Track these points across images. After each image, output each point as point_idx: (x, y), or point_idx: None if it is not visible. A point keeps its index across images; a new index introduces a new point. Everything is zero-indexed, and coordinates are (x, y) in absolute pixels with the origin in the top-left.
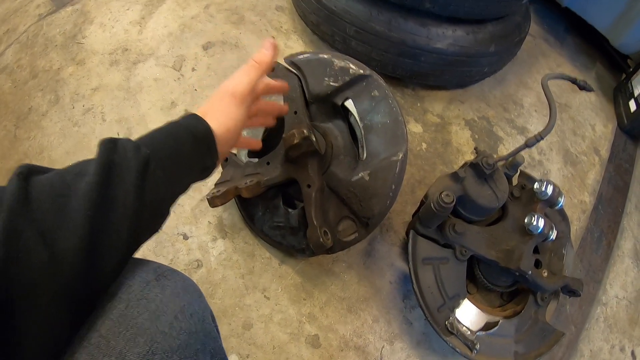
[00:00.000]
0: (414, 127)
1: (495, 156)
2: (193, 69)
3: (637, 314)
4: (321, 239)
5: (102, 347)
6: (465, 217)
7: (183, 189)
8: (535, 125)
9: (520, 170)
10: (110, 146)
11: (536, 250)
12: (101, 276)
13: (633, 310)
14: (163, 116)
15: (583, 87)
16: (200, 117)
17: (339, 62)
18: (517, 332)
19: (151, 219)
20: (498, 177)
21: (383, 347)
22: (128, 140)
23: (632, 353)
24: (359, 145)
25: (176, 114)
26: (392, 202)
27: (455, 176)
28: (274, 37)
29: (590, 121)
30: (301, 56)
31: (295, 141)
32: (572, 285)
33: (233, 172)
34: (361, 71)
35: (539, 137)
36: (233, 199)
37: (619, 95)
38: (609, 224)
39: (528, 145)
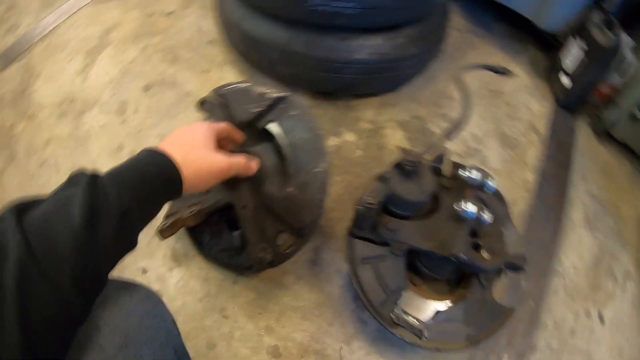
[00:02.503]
0: (348, 137)
1: (417, 153)
2: (135, 112)
3: (597, 279)
4: (261, 255)
5: (82, 342)
6: (399, 214)
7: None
8: (471, 116)
9: (453, 162)
10: (92, 190)
11: (476, 235)
12: (91, 302)
13: (593, 276)
14: (112, 160)
15: (502, 72)
16: (177, 172)
17: (258, 88)
18: (466, 315)
19: (123, 253)
20: (423, 171)
21: (341, 348)
22: (110, 185)
23: (600, 315)
24: (286, 163)
25: (124, 157)
26: (322, 210)
27: (382, 178)
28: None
29: (526, 103)
30: (225, 88)
31: None
32: (514, 261)
33: (179, 203)
34: (279, 94)
35: (455, 128)
36: (183, 229)
37: (552, 72)
38: (556, 198)
39: (446, 137)
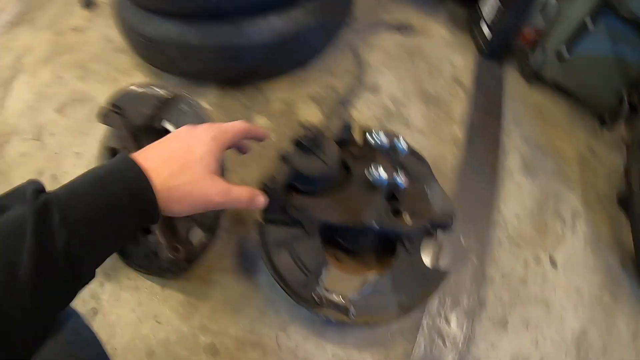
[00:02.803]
0: (260, 121)
1: (318, 126)
2: (52, 134)
3: (543, 223)
4: (172, 255)
5: None
6: (308, 191)
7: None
8: (387, 79)
9: (363, 129)
10: (40, 234)
11: (396, 200)
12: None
13: (538, 221)
14: None
15: (403, 29)
16: (152, 198)
17: (147, 90)
18: (395, 283)
19: (79, 289)
20: (324, 144)
21: (277, 335)
22: (63, 225)
23: (551, 259)
24: None
25: (46, 182)
26: None
27: (283, 158)
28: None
29: (448, 58)
30: (118, 96)
31: None
32: (439, 220)
33: None
34: (170, 94)
35: (350, 95)
36: None
37: (472, 24)
38: (488, 149)
39: (345, 105)
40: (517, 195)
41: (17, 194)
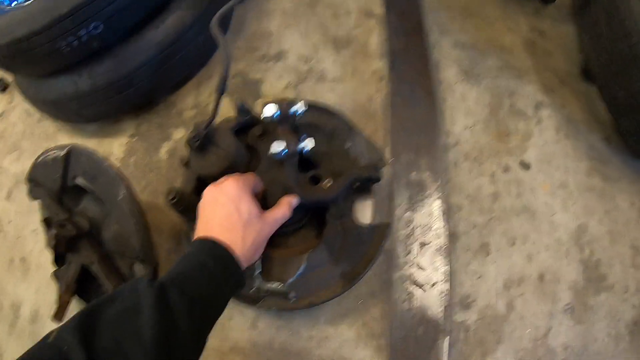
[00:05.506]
0: (177, 134)
1: (207, 121)
2: (9, 222)
3: (502, 126)
4: None
5: None
6: None
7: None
8: (291, 40)
9: (264, 104)
10: (162, 313)
11: (314, 167)
12: None
13: (495, 126)
14: (9, 275)
15: None
16: (240, 269)
17: (49, 155)
18: (330, 254)
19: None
20: (218, 137)
21: (250, 335)
22: (179, 294)
23: (521, 162)
24: (105, 205)
25: (17, 269)
26: (145, 231)
27: (184, 164)
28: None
29: None
30: (31, 170)
31: (54, 243)
32: (364, 174)
33: (60, 283)
34: (64, 151)
35: (224, 78)
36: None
37: None
38: (417, 70)
39: (222, 92)
40: (463, 108)
41: (130, 291)
